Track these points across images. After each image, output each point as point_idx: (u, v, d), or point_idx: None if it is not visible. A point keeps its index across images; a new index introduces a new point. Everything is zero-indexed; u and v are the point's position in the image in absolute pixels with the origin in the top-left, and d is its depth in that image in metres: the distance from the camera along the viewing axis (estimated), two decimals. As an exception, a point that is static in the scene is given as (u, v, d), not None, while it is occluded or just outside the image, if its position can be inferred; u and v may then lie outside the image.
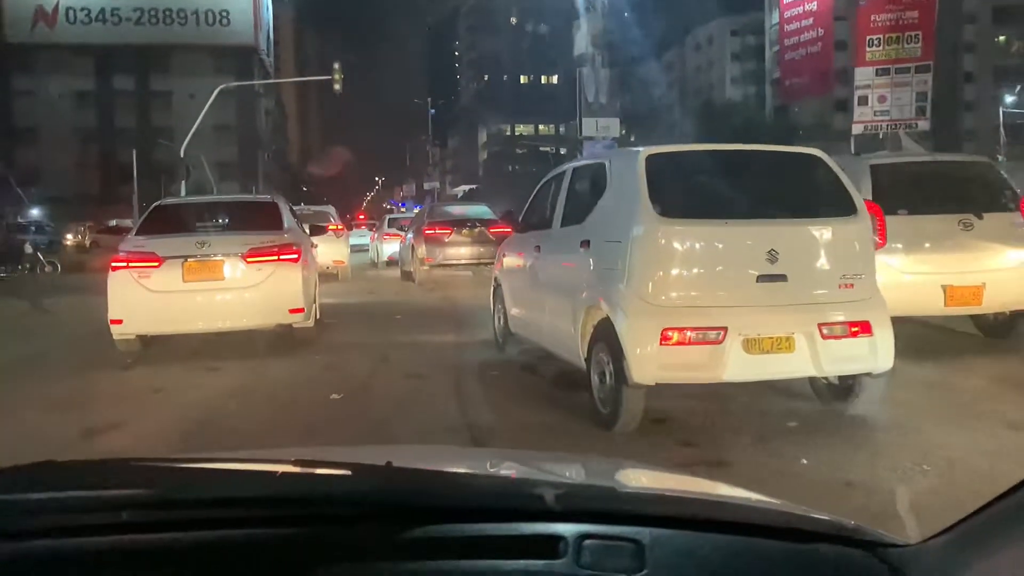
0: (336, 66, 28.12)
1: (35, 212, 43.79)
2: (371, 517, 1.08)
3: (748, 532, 1.10)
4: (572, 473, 1.64)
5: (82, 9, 64.60)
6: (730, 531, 1.10)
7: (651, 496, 1.35)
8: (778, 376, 4.64)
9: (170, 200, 9.85)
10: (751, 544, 1.10)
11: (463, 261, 14.34)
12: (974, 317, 7.30)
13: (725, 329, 4.19)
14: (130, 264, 7.02)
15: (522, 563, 1.05)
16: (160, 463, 1.30)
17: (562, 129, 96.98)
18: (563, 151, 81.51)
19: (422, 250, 14.30)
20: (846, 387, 4.77)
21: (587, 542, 1.06)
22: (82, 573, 1.03)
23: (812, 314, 4.35)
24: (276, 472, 1.22)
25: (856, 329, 4.37)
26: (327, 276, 14.09)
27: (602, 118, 26.35)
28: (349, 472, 1.22)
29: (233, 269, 7.11)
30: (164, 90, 66.20)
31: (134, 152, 40.25)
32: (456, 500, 1.14)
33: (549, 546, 1.06)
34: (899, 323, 4.70)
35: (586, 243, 4.97)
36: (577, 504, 1.13)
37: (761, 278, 4.36)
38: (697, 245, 4.44)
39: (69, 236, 34.44)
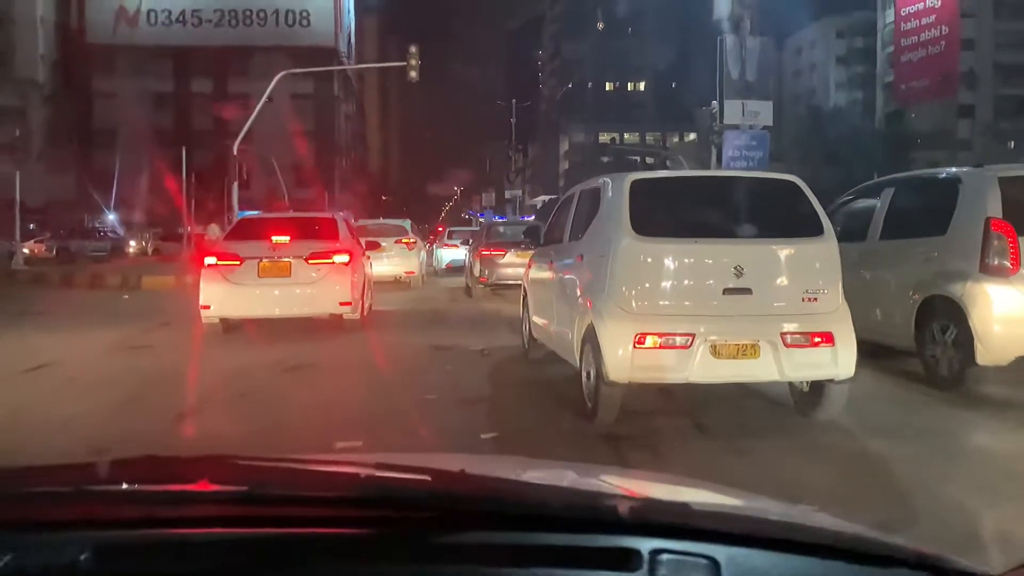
0: (412, 50, 26.23)
1: (111, 218, 45.18)
2: (447, 522, 1.14)
3: (824, 554, 1.13)
4: (643, 487, 1.70)
5: (163, 11, 67.33)
6: (806, 552, 1.13)
7: (726, 513, 1.38)
8: (743, 379, 5.26)
9: (250, 215, 13.91)
10: (827, 567, 1.13)
11: (516, 281, 14.21)
12: None
13: (693, 335, 4.82)
14: (218, 262, 9.30)
15: (596, 573, 1.10)
16: (251, 461, 1.41)
17: (648, 138, 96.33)
18: (650, 160, 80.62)
19: (477, 269, 15.83)
20: (816, 394, 5.21)
21: (661, 556, 1.09)
22: (177, 562, 1.12)
23: (775, 324, 4.93)
24: (359, 474, 1.33)
25: (819, 339, 4.91)
26: (400, 285, 17.41)
27: (750, 101, 22.19)
28: (427, 477, 1.31)
29: (297, 269, 9.27)
30: (241, 92, 68.23)
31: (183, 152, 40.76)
32: (530, 508, 1.18)
33: (623, 559, 1.09)
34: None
35: (581, 256, 5.79)
36: (652, 517, 1.18)
37: (727, 291, 4.97)
38: (669, 260, 5.10)
39: (132, 243, 35.30)
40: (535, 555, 1.10)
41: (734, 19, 22.68)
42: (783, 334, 4.86)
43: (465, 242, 24.10)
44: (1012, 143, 61.41)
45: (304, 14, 68.79)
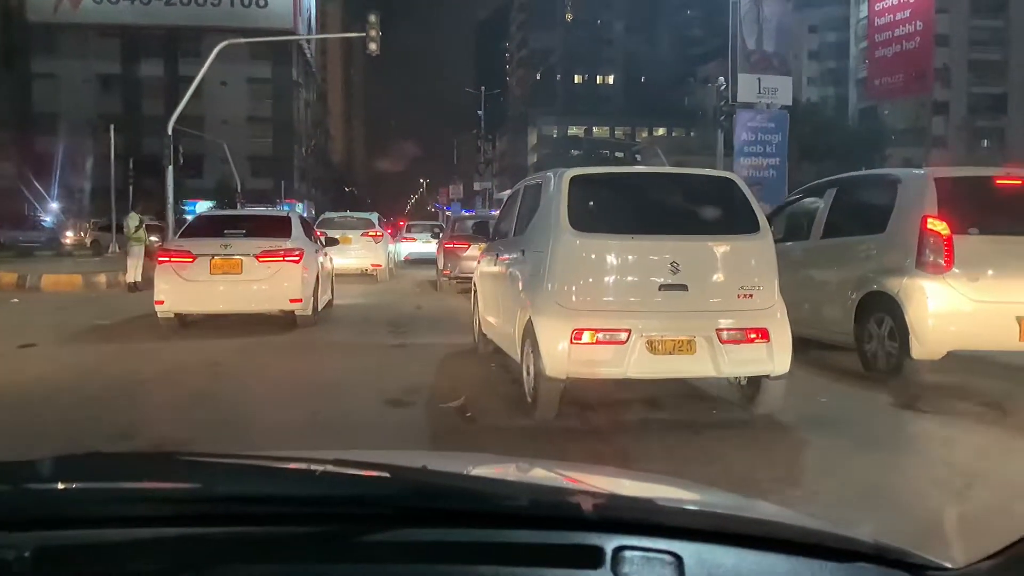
0: (372, 19, 24.24)
1: (54, 206, 44.49)
2: (407, 519, 1.16)
3: (790, 550, 1.16)
4: (608, 484, 1.72)
5: (110, -12, 66.06)
6: (770, 548, 1.16)
7: (690, 510, 1.40)
8: (680, 374, 5.55)
9: (207, 212, 16.30)
10: (793, 563, 1.16)
11: None
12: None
13: (629, 331, 5.04)
14: (171, 259, 9.88)
15: (559, 571, 1.11)
16: (203, 458, 1.42)
17: (617, 132, 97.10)
18: (619, 154, 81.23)
19: (441, 261, 16.45)
20: (754, 389, 5.44)
21: (625, 553, 1.11)
22: (124, 562, 1.12)
23: (711, 320, 5.15)
24: (315, 471, 1.32)
25: (754, 335, 5.14)
26: (367, 278, 18.08)
27: (767, 75, 20.49)
28: (387, 474, 1.31)
29: (248, 266, 9.79)
30: (194, 76, 67.17)
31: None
32: (492, 506, 1.20)
33: (586, 556, 1.11)
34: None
35: (523, 251, 6.00)
36: (615, 514, 1.21)
37: (663, 287, 5.19)
38: (606, 256, 5.30)
39: (69, 234, 34.75)
40: (498, 553, 1.13)
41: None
42: (719, 330, 5.08)
43: (432, 235, 25.61)
44: (986, 141, 62.95)
45: (262, -7, 67.93)
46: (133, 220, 16.32)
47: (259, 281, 9.82)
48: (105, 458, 1.40)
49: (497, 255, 7.08)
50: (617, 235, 5.37)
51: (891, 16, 26.62)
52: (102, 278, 16.56)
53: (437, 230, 28.77)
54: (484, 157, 65.09)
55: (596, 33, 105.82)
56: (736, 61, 20.45)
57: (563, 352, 5.05)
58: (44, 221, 35.71)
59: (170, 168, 23.82)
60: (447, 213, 56.45)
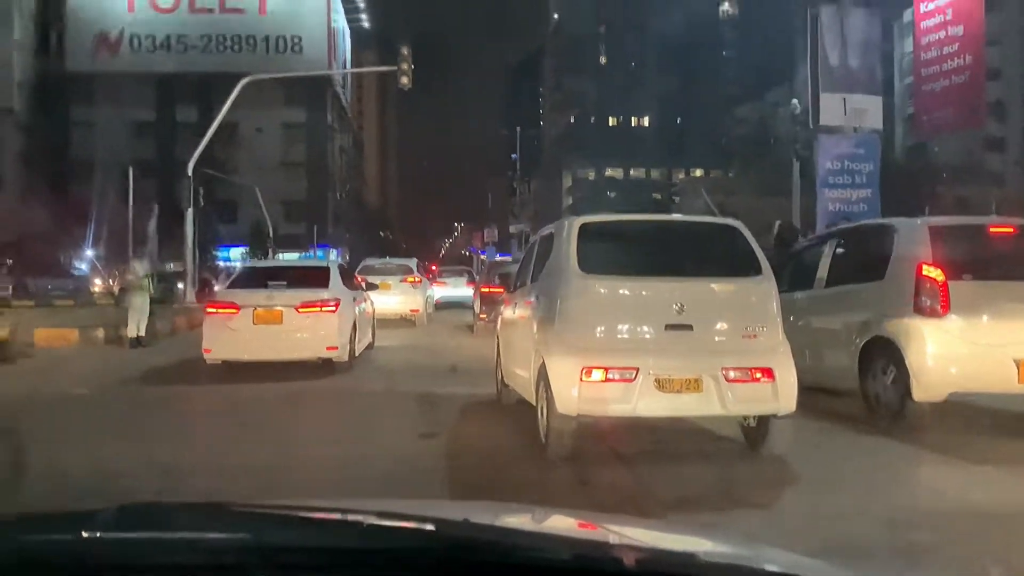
0: (404, 51, 24.96)
1: (89, 253, 45.76)
2: (451, 572, 1.23)
3: None
4: (649, 537, 1.79)
5: (147, 36, 68.36)
6: None
7: (732, 564, 1.43)
8: (688, 413, 5.84)
9: (251, 264, 16.84)
10: None
11: None
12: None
13: (637, 369, 5.35)
14: (218, 310, 10.87)
15: None
16: (252, 508, 1.53)
17: (654, 173, 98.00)
18: (657, 196, 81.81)
19: (477, 306, 17.19)
20: (762, 429, 5.76)
21: None
22: None
23: (716, 359, 5.44)
24: (362, 523, 1.41)
25: (759, 375, 5.42)
26: (404, 322, 18.98)
27: (853, 94, 18.65)
28: (430, 527, 1.37)
29: (288, 316, 10.71)
30: (229, 121, 69.05)
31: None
32: (535, 558, 1.25)
33: None
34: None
35: (537, 296, 6.40)
36: (657, 568, 1.25)
37: (669, 327, 5.56)
38: (613, 296, 5.75)
39: (98, 282, 35.42)
40: None
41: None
42: (724, 369, 5.37)
43: (465, 279, 27.35)
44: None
45: (296, 40, 69.55)
46: (139, 268, 15.88)
47: (298, 331, 10.73)
48: (161, 508, 1.50)
49: (515, 304, 7.51)
50: (624, 276, 5.81)
51: (938, 50, 25.85)
52: (100, 332, 15.65)
53: (467, 275, 29.74)
54: (520, 199, 65.75)
55: (630, 75, 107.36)
56: (817, 79, 18.68)
57: (573, 390, 5.37)
58: (76, 269, 36.40)
59: (190, 211, 24.22)
60: (482, 257, 57.17)
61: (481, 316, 16.63)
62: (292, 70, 67.59)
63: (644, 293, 5.74)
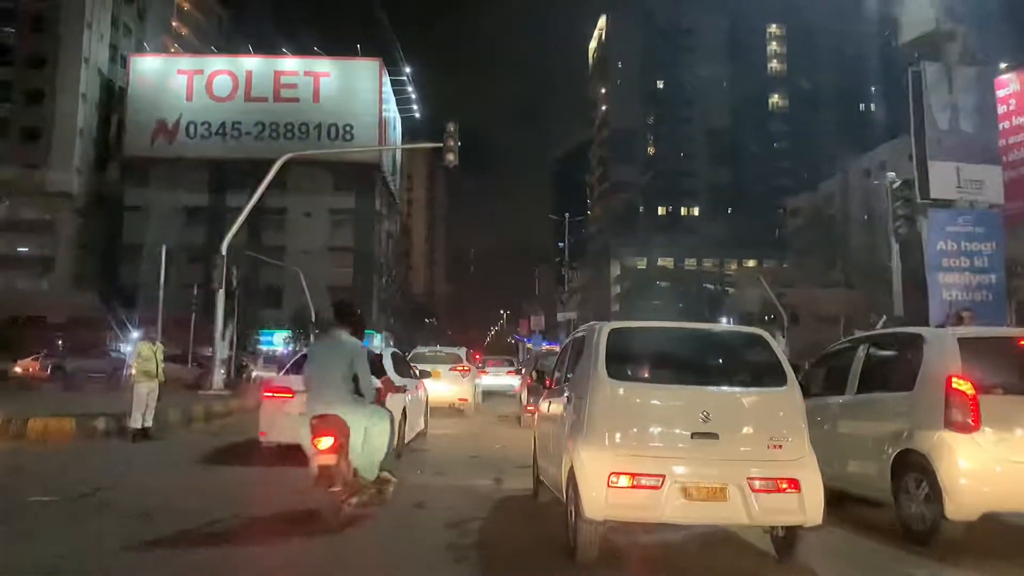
0: (450, 127, 24.47)
1: (135, 335, 46.91)
2: None
3: None
4: None
5: (203, 123, 71.46)
6: None
7: None
8: (714, 521, 5.92)
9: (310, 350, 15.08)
10: None
11: None
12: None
13: (664, 476, 5.53)
14: (274, 395, 11.52)
15: None
16: None
17: (705, 263, 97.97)
18: (710, 286, 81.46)
19: (524, 396, 16.91)
20: (790, 539, 5.88)
21: None
22: None
23: (742, 468, 5.60)
24: None
25: (785, 485, 5.56)
26: (455, 411, 19.54)
27: (967, 164, 16.64)
28: None
29: None
30: (278, 207, 71.02)
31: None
32: None
33: None
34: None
35: (568, 398, 6.62)
36: None
37: (695, 435, 5.70)
38: (640, 403, 5.90)
39: (132, 363, 35.73)
40: None
41: (938, 38, 17.13)
42: (750, 479, 5.52)
43: (508, 368, 28.31)
44: None
45: (348, 128, 71.93)
46: (145, 350, 14.27)
47: None
48: None
49: (550, 403, 7.77)
50: (651, 384, 6.06)
51: (1014, 137, 24.45)
52: (101, 423, 14.08)
53: (507, 364, 30.00)
54: (568, 287, 65.95)
55: (678, 165, 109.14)
56: (924, 146, 16.57)
57: (600, 494, 5.54)
58: (114, 350, 36.57)
59: (221, 292, 24.29)
60: (528, 345, 57.27)
61: (528, 408, 16.79)
62: (342, 158, 69.78)
63: (671, 401, 5.89)
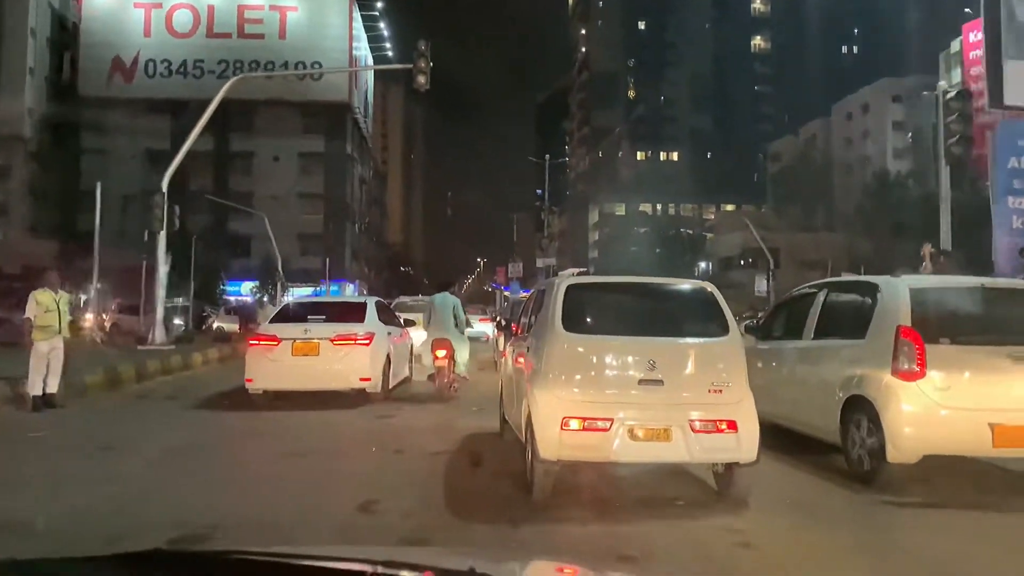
0: (421, 46, 22.95)
1: (97, 286, 46.39)
2: None
3: None
4: None
5: (163, 61, 70.20)
6: None
7: None
8: (658, 459, 6.56)
9: (296, 300, 19.44)
10: None
11: None
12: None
13: (612, 420, 6.14)
14: (260, 342, 12.24)
15: None
16: (258, 556, 1.59)
17: (683, 210, 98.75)
18: (688, 231, 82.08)
19: (501, 343, 17.50)
20: (729, 474, 6.49)
21: None
22: None
23: (684, 412, 6.22)
24: (367, 572, 1.50)
25: (724, 426, 6.19)
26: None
27: None
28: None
29: (324, 348, 12.07)
30: (245, 151, 70.50)
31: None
32: None
33: None
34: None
35: (528, 348, 7.34)
36: None
37: (642, 381, 6.30)
38: (592, 354, 6.51)
39: (89, 316, 35.31)
40: None
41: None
42: (691, 421, 6.16)
43: (476, 316, 27.51)
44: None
45: (316, 66, 70.54)
46: (44, 299, 12.03)
47: (334, 362, 12.07)
48: (166, 555, 1.55)
49: (514, 350, 8.51)
50: (603, 336, 6.66)
51: None
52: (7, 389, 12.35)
53: (481, 311, 30.63)
54: (548, 231, 66.17)
55: (659, 110, 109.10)
56: (999, 42, 15.00)
57: (555, 437, 6.18)
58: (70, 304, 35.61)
59: (162, 235, 22.93)
60: (506, 293, 57.65)
61: (503, 353, 17.41)
62: (310, 98, 68.95)
63: (621, 351, 6.47)
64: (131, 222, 48.31)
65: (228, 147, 69.25)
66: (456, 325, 13.17)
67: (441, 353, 12.90)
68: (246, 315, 39.01)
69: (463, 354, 13.24)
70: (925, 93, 20.00)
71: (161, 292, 24.17)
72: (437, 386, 12.96)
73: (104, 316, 36.41)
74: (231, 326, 35.22)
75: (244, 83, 66.45)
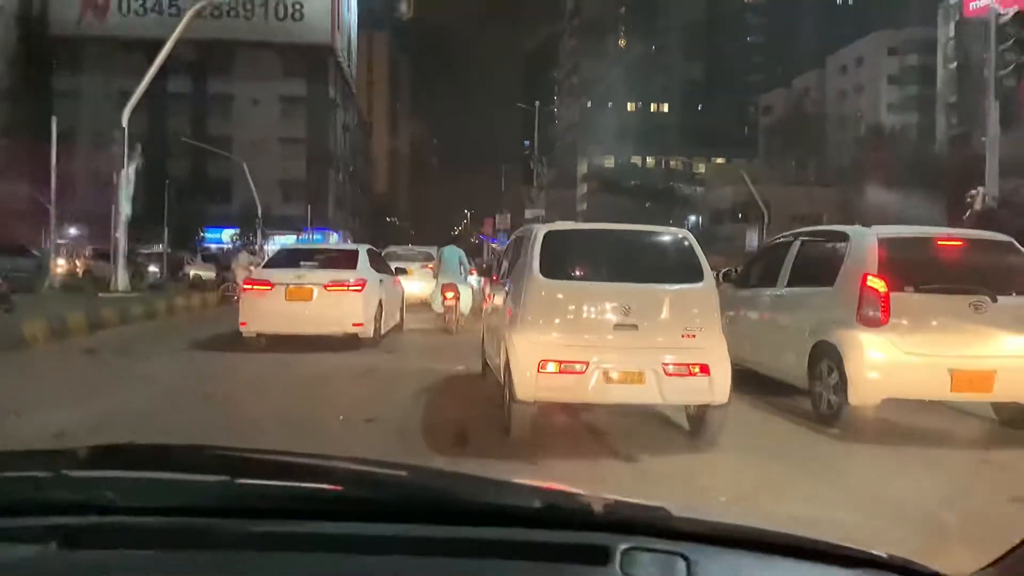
0: None
1: (73, 231, 46.01)
2: (422, 516, 1.35)
3: (797, 556, 1.34)
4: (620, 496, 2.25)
5: (137, -1, 68.92)
6: (777, 553, 1.33)
7: (699, 518, 1.49)
8: (632, 401, 6.91)
9: (289, 246, 20.58)
10: (800, 568, 1.32)
11: None
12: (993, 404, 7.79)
13: (587, 362, 6.45)
14: (254, 287, 12.92)
15: (570, 567, 1.28)
16: (230, 452, 1.62)
17: (672, 163, 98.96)
18: (680, 185, 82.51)
19: (487, 291, 17.93)
20: (701, 416, 6.86)
21: (634, 553, 1.28)
22: (154, 548, 1.29)
23: (658, 355, 6.53)
24: (335, 468, 1.55)
25: (696, 369, 6.51)
26: (423, 306, 19.50)
27: None
28: (404, 472, 1.55)
29: (318, 294, 12.74)
30: (224, 93, 69.69)
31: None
32: (507, 505, 1.40)
33: (596, 554, 1.28)
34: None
35: (507, 293, 7.74)
36: (625, 517, 1.38)
37: (617, 326, 6.65)
38: (569, 299, 6.83)
39: (61, 262, 34.50)
40: (513, 550, 1.28)
41: None
42: (664, 364, 6.49)
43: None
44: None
45: (297, 7, 70.00)
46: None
47: (327, 307, 12.70)
48: (140, 449, 1.60)
49: (494, 295, 8.98)
50: (580, 282, 7.04)
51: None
52: None
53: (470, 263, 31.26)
54: (537, 181, 66.29)
55: (650, 61, 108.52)
56: None
57: (531, 379, 6.51)
58: (37, 250, 33.69)
59: (123, 173, 22.11)
60: (492, 244, 57.88)
61: (488, 298, 18.46)
62: (291, 38, 67.95)
63: (596, 296, 6.80)
64: (109, 165, 47.68)
65: (206, 89, 68.59)
66: (460, 273, 15.79)
67: (450, 295, 15.58)
68: (225, 264, 38.96)
69: (466, 296, 15.89)
70: (986, 15, 16.66)
71: (122, 235, 23.23)
72: (447, 321, 15.63)
73: (77, 262, 36.11)
74: (208, 274, 35.13)
75: (222, 23, 66.85)
